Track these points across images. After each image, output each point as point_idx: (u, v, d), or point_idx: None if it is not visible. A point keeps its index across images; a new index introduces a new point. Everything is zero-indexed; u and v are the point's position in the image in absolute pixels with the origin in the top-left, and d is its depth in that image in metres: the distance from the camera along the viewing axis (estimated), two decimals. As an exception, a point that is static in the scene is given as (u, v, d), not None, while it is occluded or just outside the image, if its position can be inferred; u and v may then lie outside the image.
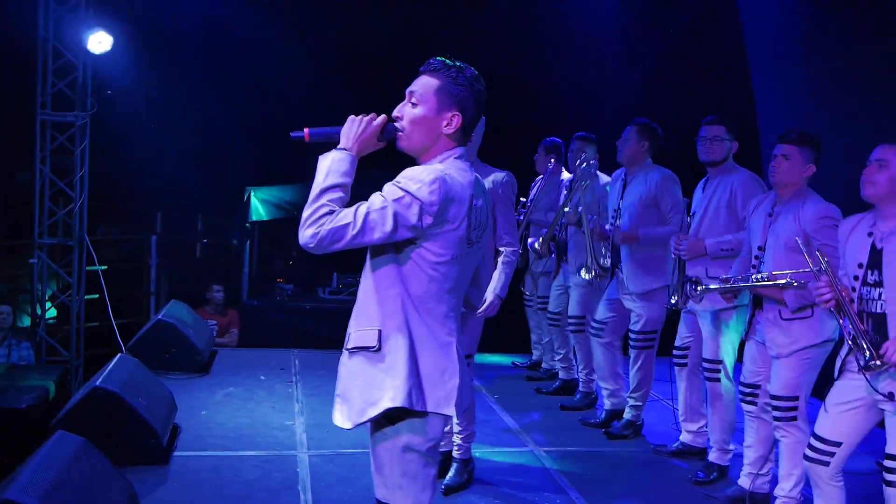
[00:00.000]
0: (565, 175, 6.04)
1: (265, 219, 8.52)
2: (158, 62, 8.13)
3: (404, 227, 2.30)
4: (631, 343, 5.15)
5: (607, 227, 5.20)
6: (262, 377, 6.20)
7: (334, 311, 8.18)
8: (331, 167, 2.36)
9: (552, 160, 6.10)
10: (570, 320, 5.75)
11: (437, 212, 2.31)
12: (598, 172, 5.60)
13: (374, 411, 2.39)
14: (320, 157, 2.39)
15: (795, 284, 3.67)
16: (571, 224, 5.50)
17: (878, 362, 3.06)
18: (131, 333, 6.79)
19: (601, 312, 5.30)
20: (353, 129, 2.42)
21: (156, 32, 8.01)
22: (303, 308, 8.29)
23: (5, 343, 7.00)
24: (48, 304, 7.48)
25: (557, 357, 6.14)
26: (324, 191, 2.32)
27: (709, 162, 4.49)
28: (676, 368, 4.78)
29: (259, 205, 8.47)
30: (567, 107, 7.97)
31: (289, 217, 8.68)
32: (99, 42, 6.95)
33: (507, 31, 8.15)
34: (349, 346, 2.46)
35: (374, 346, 2.37)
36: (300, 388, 6.01)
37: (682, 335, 4.74)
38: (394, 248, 2.38)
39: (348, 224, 2.27)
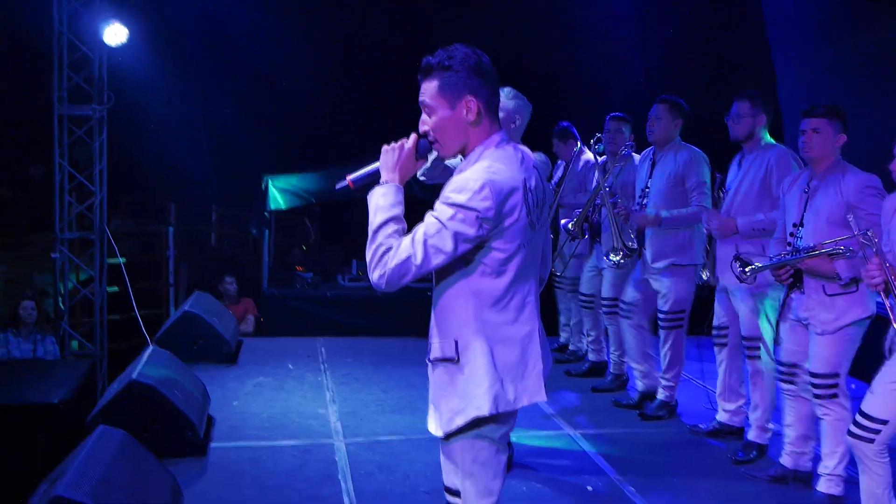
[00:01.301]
0: (588, 155, 5.99)
1: (283, 207, 8.47)
2: (173, 54, 8.09)
3: (465, 242, 2.29)
4: (660, 323, 5.12)
5: (634, 207, 5.16)
6: (291, 366, 6.18)
7: (356, 299, 8.16)
8: (378, 204, 2.36)
9: (576, 143, 6.06)
10: (603, 302, 5.71)
11: (495, 214, 2.29)
12: (633, 154, 5.58)
13: (462, 420, 2.40)
14: (368, 197, 2.40)
15: (847, 253, 3.62)
16: (605, 206, 5.44)
17: None
18: (152, 325, 6.82)
19: (629, 294, 5.28)
20: (389, 159, 2.43)
21: (170, 24, 7.99)
22: (324, 296, 8.26)
23: (31, 338, 6.98)
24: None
25: (589, 339, 6.11)
26: (377, 230, 2.32)
27: (735, 139, 4.45)
28: (716, 348, 4.74)
29: (277, 193, 8.42)
30: (580, 90, 7.94)
31: (307, 205, 8.65)
32: (114, 34, 6.90)
33: (514, 15, 8.10)
34: (430, 358, 2.47)
35: (453, 358, 2.38)
36: (329, 377, 5.99)
37: (718, 315, 4.70)
38: (461, 256, 2.34)
39: (409, 257, 2.26)
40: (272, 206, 8.42)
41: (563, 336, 6.66)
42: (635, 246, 5.25)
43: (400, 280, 2.28)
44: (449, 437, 2.45)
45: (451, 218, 2.26)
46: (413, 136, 2.44)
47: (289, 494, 4.00)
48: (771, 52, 7.20)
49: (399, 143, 2.43)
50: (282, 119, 8.56)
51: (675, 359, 5.12)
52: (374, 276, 2.29)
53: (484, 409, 2.35)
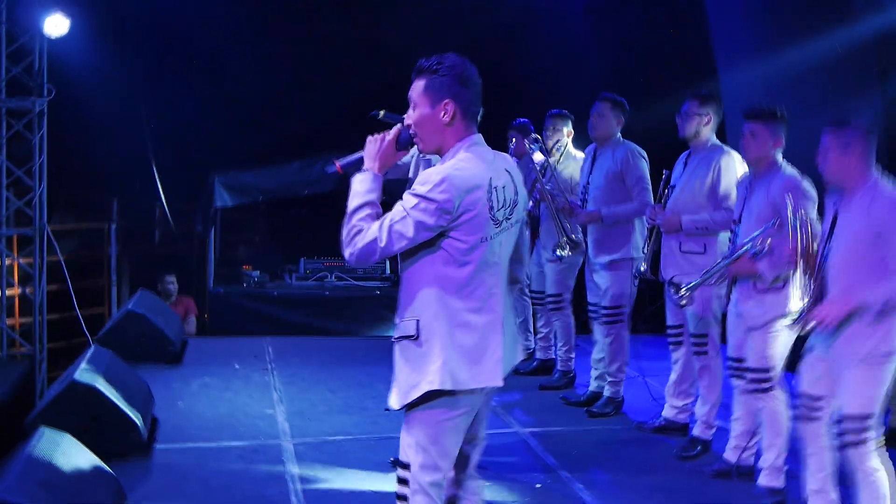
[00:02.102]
0: (538, 156, 5.99)
1: (230, 205, 8.38)
2: (117, 45, 7.88)
3: (425, 230, 2.53)
4: (602, 319, 5.19)
5: (577, 203, 5.26)
6: (237, 366, 6.13)
7: (303, 298, 8.13)
8: (356, 189, 2.63)
9: (532, 141, 6.03)
10: (548, 299, 5.76)
11: (453, 206, 2.51)
12: (570, 149, 5.68)
13: (416, 393, 2.59)
14: (351, 182, 2.67)
15: (766, 247, 3.75)
16: (546, 201, 5.52)
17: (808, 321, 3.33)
18: (94, 324, 6.70)
19: (591, 296, 5.33)
20: (371, 148, 2.69)
21: (114, 14, 7.72)
22: (270, 295, 8.20)
23: (-33, 337, 6.79)
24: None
25: (538, 336, 6.16)
26: (352, 212, 2.59)
27: (683, 136, 4.56)
28: (671, 347, 4.81)
29: (223, 190, 8.33)
30: (531, 86, 7.96)
31: (255, 202, 8.58)
32: (55, 25, 6.70)
33: (466, 10, 8.08)
34: (395, 336, 2.67)
35: (413, 335, 2.59)
36: (277, 377, 5.95)
37: (671, 314, 4.77)
38: (425, 243, 2.57)
39: (376, 239, 2.53)
40: (218, 203, 8.33)
41: None
42: (580, 238, 5.36)
43: (368, 259, 2.57)
44: (406, 410, 2.65)
45: (414, 207, 2.51)
46: (396, 128, 2.70)
47: (235, 495, 3.97)
48: (715, 54, 7.33)
49: (382, 134, 2.69)
50: (230, 113, 8.36)
51: (617, 353, 5.19)
52: (346, 253, 2.57)
53: (436, 383, 2.55)
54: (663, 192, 4.66)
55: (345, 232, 2.59)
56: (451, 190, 2.51)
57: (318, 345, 6.99)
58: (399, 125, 2.71)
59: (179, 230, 9.25)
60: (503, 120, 6.13)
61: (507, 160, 2.76)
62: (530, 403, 5.47)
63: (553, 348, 6.07)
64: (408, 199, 2.54)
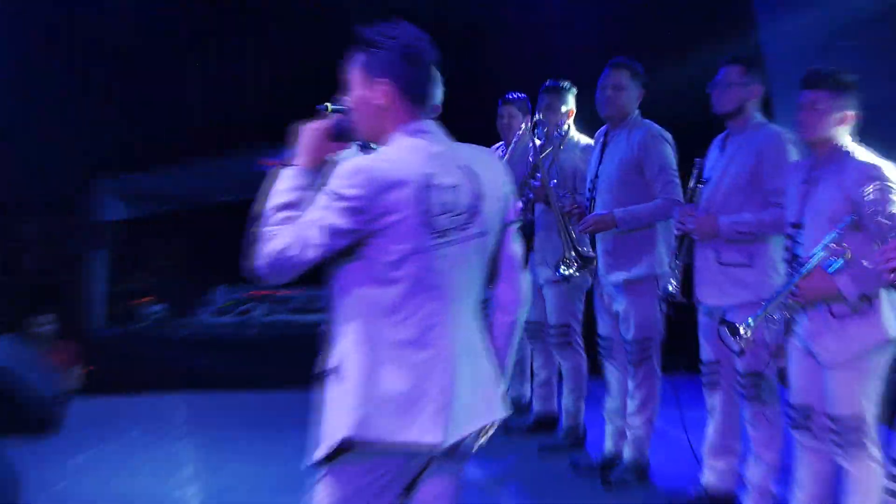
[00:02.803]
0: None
1: (123, 218, 8.29)
2: None
3: (339, 235, 2.57)
4: (618, 355, 5.21)
5: (586, 204, 5.28)
6: (136, 433, 6.14)
7: (224, 340, 8.02)
8: (276, 187, 2.70)
9: (523, 121, 6.07)
10: (551, 331, 5.76)
11: (368, 205, 2.55)
12: (573, 133, 5.72)
13: (324, 448, 2.61)
14: None
15: (845, 256, 3.59)
16: (539, 201, 5.53)
17: None
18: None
19: (603, 325, 5.32)
20: (300, 139, 2.78)
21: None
22: (179, 336, 8.09)
23: None
24: None
25: (537, 381, 6.14)
26: (267, 217, 2.64)
27: (721, 112, 4.57)
28: (706, 390, 4.78)
29: (114, 199, 8.27)
30: (526, 52, 8.01)
31: (155, 214, 8.49)
32: None
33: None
34: (318, 370, 2.71)
35: (332, 369, 2.64)
36: (190, 445, 5.93)
37: (705, 347, 4.75)
38: (347, 254, 2.62)
39: (286, 247, 2.57)
40: (108, 217, 8.26)
41: None
42: (591, 254, 5.32)
43: (280, 272, 2.61)
44: (321, 465, 2.66)
45: (325, 206, 2.57)
46: (333, 116, 2.80)
47: None
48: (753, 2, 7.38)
49: (312, 123, 2.78)
50: (120, 102, 8.33)
51: (645, 401, 5.16)
52: (256, 266, 2.62)
53: (342, 431, 2.56)
54: (695, 186, 4.64)
55: (254, 239, 2.64)
56: (365, 184, 2.55)
57: (244, 401, 6.93)
58: (333, 116, 2.82)
59: (57, 254, 9.16)
60: (471, 95, 6.11)
61: (472, 155, 2.78)
62: (527, 473, 5.43)
63: (556, 397, 6.04)
64: (320, 197, 2.61)
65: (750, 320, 3.88)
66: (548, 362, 6.01)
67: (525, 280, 2.92)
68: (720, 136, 4.67)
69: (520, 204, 5.57)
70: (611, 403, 5.35)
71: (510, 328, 2.91)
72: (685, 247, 4.67)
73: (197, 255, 9.00)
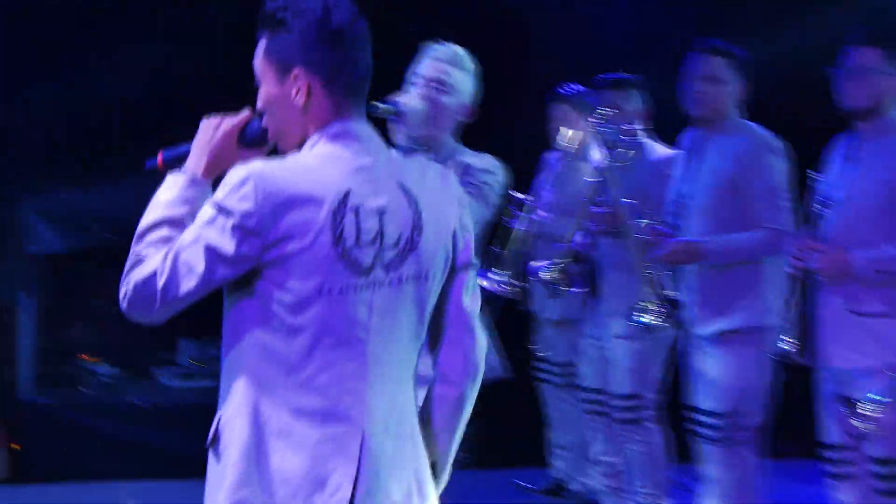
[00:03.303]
0: (594, 153, 5.95)
1: (57, 249, 8.18)
2: None
3: (221, 262, 2.48)
4: (707, 433, 5.10)
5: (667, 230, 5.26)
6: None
7: (189, 409, 7.79)
8: (157, 198, 2.65)
9: (600, 123, 6.01)
10: (616, 402, 5.68)
11: (261, 226, 2.45)
12: (645, 141, 5.78)
13: None
14: None
15: None
16: (606, 232, 5.51)
17: None
18: None
19: (693, 392, 5.23)
20: (201, 137, 2.75)
21: None
22: (130, 405, 7.90)
23: None
24: None
25: (601, 469, 6.06)
26: (141, 234, 2.60)
27: (851, 109, 4.54)
28: (831, 482, 4.66)
29: (43, 224, 8.09)
30: (544, 36, 8.08)
31: (98, 244, 8.30)
32: None
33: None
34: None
35: (210, 440, 2.59)
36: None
37: (830, 428, 4.63)
38: (239, 288, 2.55)
39: (155, 274, 2.50)
40: (35, 248, 8.12)
41: (558, 465, 6.59)
42: (676, 296, 5.29)
43: (145, 307, 2.53)
44: None
45: (209, 223, 2.49)
46: (242, 114, 2.76)
47: None
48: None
49: (219, 119, 2.76)
50: (46, 98, 8.18)
51: (732, 495, 5.05)
52: (120, 296, 2.56)
53: None
54: (813, 210, 4.58)
55: (127, 263, 2.58)
56: (259, 198, 2.44)
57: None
58: (245, 113, 2.78)
59: None
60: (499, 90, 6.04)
61: (414, 172, 2.69)
62: None
63: (625, 490, 5.86)
64: (203, 211, 2.54)
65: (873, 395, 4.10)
66: (613, 443, 5.91)
67: (480, 344, 2.80)
68: (844, 142, 4.65)
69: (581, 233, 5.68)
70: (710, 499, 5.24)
71: (454, 405, 2.79)
72: (802, 291, 4.59)
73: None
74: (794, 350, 4.60)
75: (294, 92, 2.61)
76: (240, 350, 2.57)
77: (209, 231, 2.48)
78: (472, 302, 2.77)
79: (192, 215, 2.59)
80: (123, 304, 2.55)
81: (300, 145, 2.66)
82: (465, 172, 4.34)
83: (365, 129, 2.66)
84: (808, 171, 4.70)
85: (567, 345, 6.23)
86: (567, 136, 6.12)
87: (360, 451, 2.54)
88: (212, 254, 2.47)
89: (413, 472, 2.65)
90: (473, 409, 4.25)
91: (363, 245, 2.54)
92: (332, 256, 2.50)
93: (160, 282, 2.48)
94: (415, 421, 2.70)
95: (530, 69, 7.66)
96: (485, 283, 5.55)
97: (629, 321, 5.32)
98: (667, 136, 5.75)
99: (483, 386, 4.41)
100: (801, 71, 5.10)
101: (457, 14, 7.77)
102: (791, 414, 5.30)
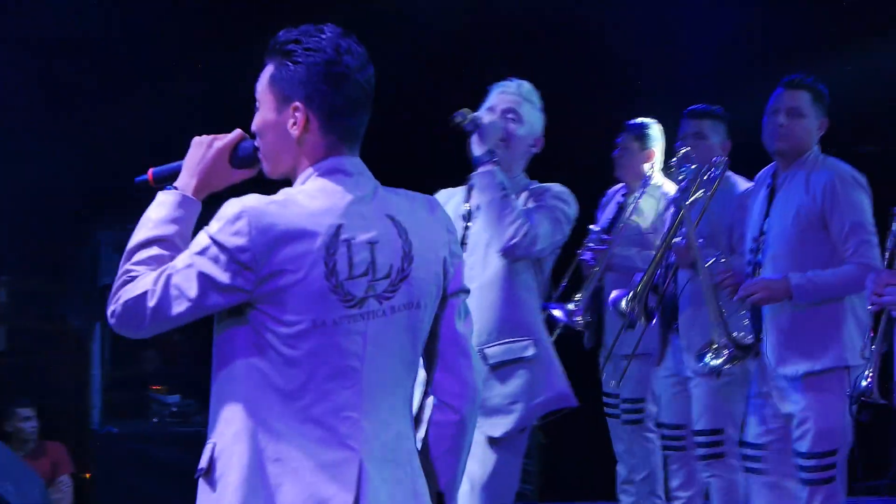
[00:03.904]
0: (666, 184, 5.98)
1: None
2: None
3: (217, 291, 2.53)
4: (799, 474, 4.97)
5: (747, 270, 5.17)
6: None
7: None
8: (148, 216, 2.70)
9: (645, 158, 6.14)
10: (697, 439, 5.61)
11: (255, 261, 2.52)
12: (729, 174, 5.68)
13: None
14: None
15: None
16: (685, 266, 5.44)
17: None
18: None
19: (753, 428, 5.12)
20: (194, 155, 2.81)
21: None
22: (199, 435, 7.70)
23: None
24: None
25: None
26: (131, 251, 2.65)
27: None
28: None
29: (114, 256, 7.89)
30: (615, 65, 8.11)
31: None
32: None
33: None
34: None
35: (203, 469, 2.59)
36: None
37: None
38: (232, 317, 2.60)
39: (146, 293, 2.55)
40: (107, 280, 7.78)
41: (625, 501, 6.46)
42: (750, 340, 5.16)
43: (134, 325, 2.59)
44: None
45: (203, 252, 2.54)
46: (234, 133, 2.82)
47: None
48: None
49: (211, 137, 2.82)
50: (117, 137, 8.31)
51: None
52: (108, 312, 2.61)
53: None
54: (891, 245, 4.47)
55: (116, 280, 2.64)
56: (253, 233, 2.51)
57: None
58: (237, 132, 2.83)
59: (40, 327, 9.03)
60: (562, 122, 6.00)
61: (403, 204, 2.73)
62: None
63: None
64: (197, 239, 2.60)
65: None
66: (691, 481, 5.87)
67: (475, 367, 2.83)
68: None
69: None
70: None
71: (454, 431, 2.80)
72: (886, 330, 4.42)
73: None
74: (874, 391, 4.46)
75: (291, 123, 2.67)
76: (233, 377, 2.60)
77: (202, 260, 2.53)
78: (465, 326, 2.82)
79: (182, 235, 2.68)
80: (112, 320, 2.60)
81: (288, 172, 2.74)
82: (535, 195, 4.45)
83: (357, 164, 2.72)
84: (892, 208, 4.56)
85: (638, 380, 6.18)
86: (642, 168, 6.16)
87: (359, 477, 2.57)
88: (205, 281, 2.52)
89: (413, 497, 2.68)
90: (536, 441, 4.27)
91: (355, 277, 2.59)
92: (325, 289, 2.56)
93: (151, 302, 2.54)
94: (412, 446, 2.72)
95: (602, 101, 7.67)
96: (557, 314, 5.63)
97: (698, 362, 5.29)
98: (742, 169, 5.73)
99: (552, 417, 4.45)
100: (873, 98, 5.05)
101: (531, 49, 7.85)
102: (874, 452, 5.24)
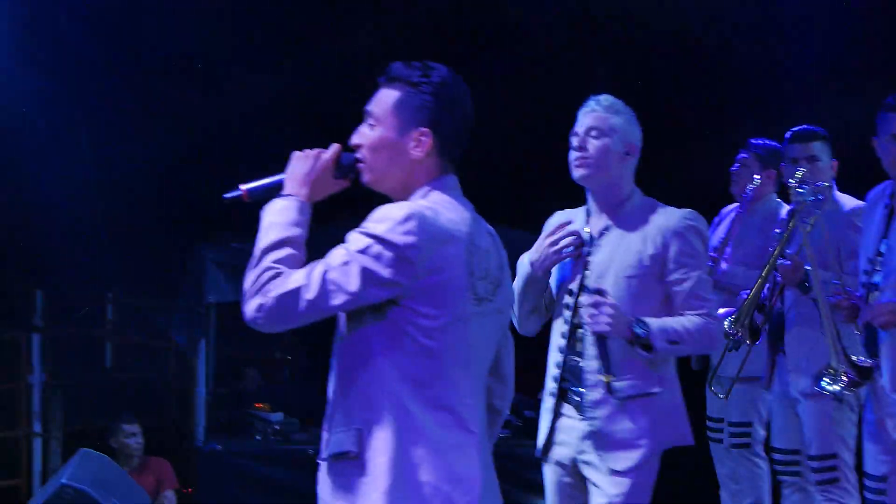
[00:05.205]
0: (782, 206, 5.98)
1: (231, 299, 8.06)
2: (50, 64, 8.11)
3: (377, 285, 2.80)
4: None
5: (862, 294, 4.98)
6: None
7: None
8: (273, 220, 2.94)
9: (765, 178, 6.09)
10: (812, 464, 5.54)
11: (420, 256, 2.81)
12: (837, 194, 5.68)
13: None
14: (262, 212, 2.98)
15: None
16: (792, 285, 5.37)
17: None
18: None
19: (872, 460, 4.92)
20: (299, 168, 3.05)
21: (47, 20, 7.99)
22: (302, 453, 7.83)
23: None
24: None
25: None
26: (266, 250, 2.87)
27: None
28: None
29: (219, 273, 8.19)
30: (711, 78, 8.08)
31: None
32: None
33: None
34: (323, 456, 2.98)
35: (353, 452, 2.86)
36: None
37: None
38: (370, 313, 2.87)
39: (300, 287, 2.78)
40: (212, 298, 8.22)
41: None
42: (869, 364, 4.99)
43: (284, 317, 2.82)
44: None
45: (363, 250, 2.80)
46: (334, 147, 3.08)
47: None
48: None
49: (315, 151, 3.06)
50: (224, 153, 8.49)
51: None
52: (251, 306, 2.82)
53: None
54: None
55: (251, 277, 2.83)
56: (421, 234, 2.81)
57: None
58: (336, 146, 3.08)
59: (145, 343, 9.11)
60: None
61: (479, 222, 3.03)
62: None
63: None
64: (355, 239, 2.84)
65: None
66: None
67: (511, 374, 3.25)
68: None
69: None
70: None
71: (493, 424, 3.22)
72: None
73: (326, 346, 8.99)
74: None
75: (413, 145, 3.00)
76: (371, 369, 2.87)
77: (363, 258, 2.79)
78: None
79: (304, 237, 2.93)
80: (257, 313, 2.79)
81: (394, 186, 3.05)
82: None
83: (457, 183, 3.08)
84: None
85: (744, 403, 6.18)
86: (754, 187, 6.16)
87: (477, 458, 2.94)
88: (367, 276, 2.77)
89: (494, 477, 3.07)
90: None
91: (480, 278, 2.94)
92: (464, 287, 2.90)
93: (308, 295, 2.77)
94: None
95: (714, 121, 7.69)
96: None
97: (816, 387, 5.12)
98: (848, 188, 5.72)
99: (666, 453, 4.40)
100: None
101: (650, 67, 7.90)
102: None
